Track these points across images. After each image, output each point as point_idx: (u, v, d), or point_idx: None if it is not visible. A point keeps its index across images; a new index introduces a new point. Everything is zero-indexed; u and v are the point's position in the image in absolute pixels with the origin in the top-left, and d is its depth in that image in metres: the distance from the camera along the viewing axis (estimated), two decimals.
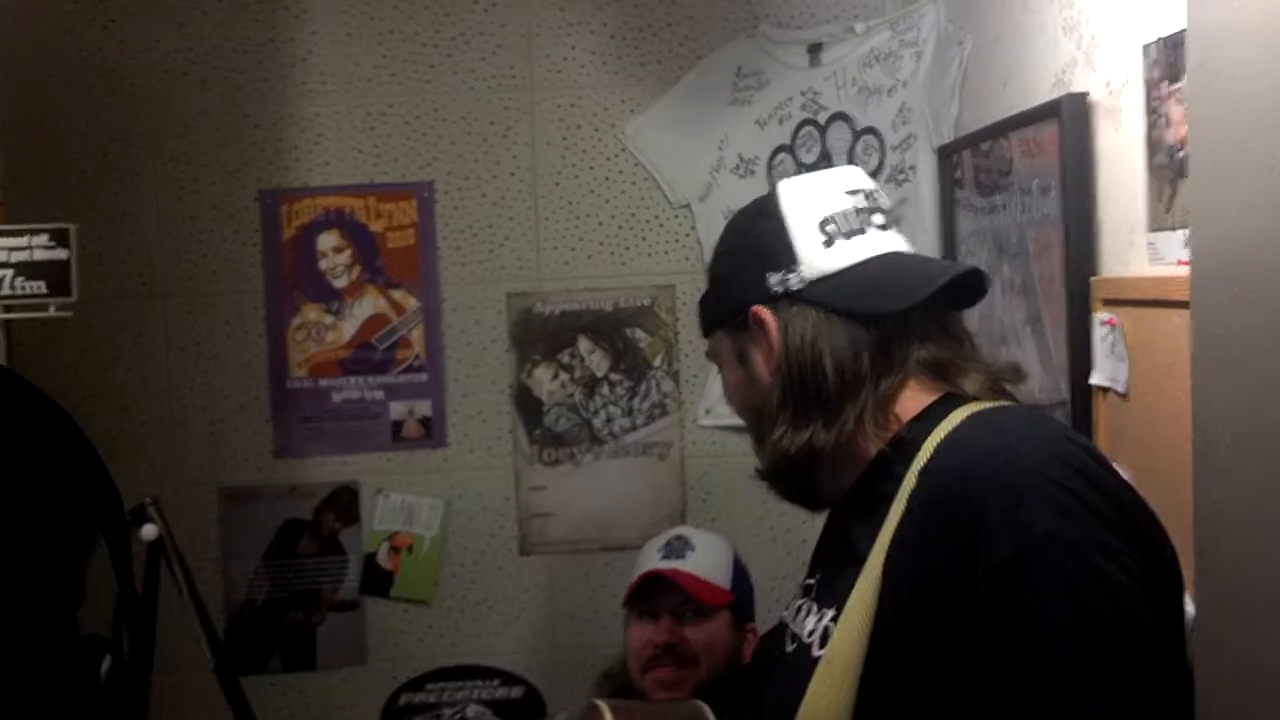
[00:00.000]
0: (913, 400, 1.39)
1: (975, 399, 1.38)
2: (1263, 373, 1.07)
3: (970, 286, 1.45)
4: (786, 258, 1.42)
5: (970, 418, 1.34)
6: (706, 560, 2.40)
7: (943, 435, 1.34)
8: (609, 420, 2.99)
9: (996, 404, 1.38)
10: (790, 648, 1.46)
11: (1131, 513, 1.25)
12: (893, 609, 1.29)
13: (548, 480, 3.00)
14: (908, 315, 1.40)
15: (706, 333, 1.52)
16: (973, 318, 2.42)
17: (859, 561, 1.35)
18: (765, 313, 1.41)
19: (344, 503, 3.00)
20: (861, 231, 1.46)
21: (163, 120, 2.91)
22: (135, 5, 2.90)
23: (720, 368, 1.52)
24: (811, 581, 1.50)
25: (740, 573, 2.44)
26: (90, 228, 2.84)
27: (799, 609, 1.49)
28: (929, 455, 1.32)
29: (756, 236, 1.46)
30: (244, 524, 2.98)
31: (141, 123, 2.91)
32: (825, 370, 1.39)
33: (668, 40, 2.96)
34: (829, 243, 1.42)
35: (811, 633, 1.39)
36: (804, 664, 1.37)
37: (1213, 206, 1.20)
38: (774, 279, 1.41)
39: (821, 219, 1.44)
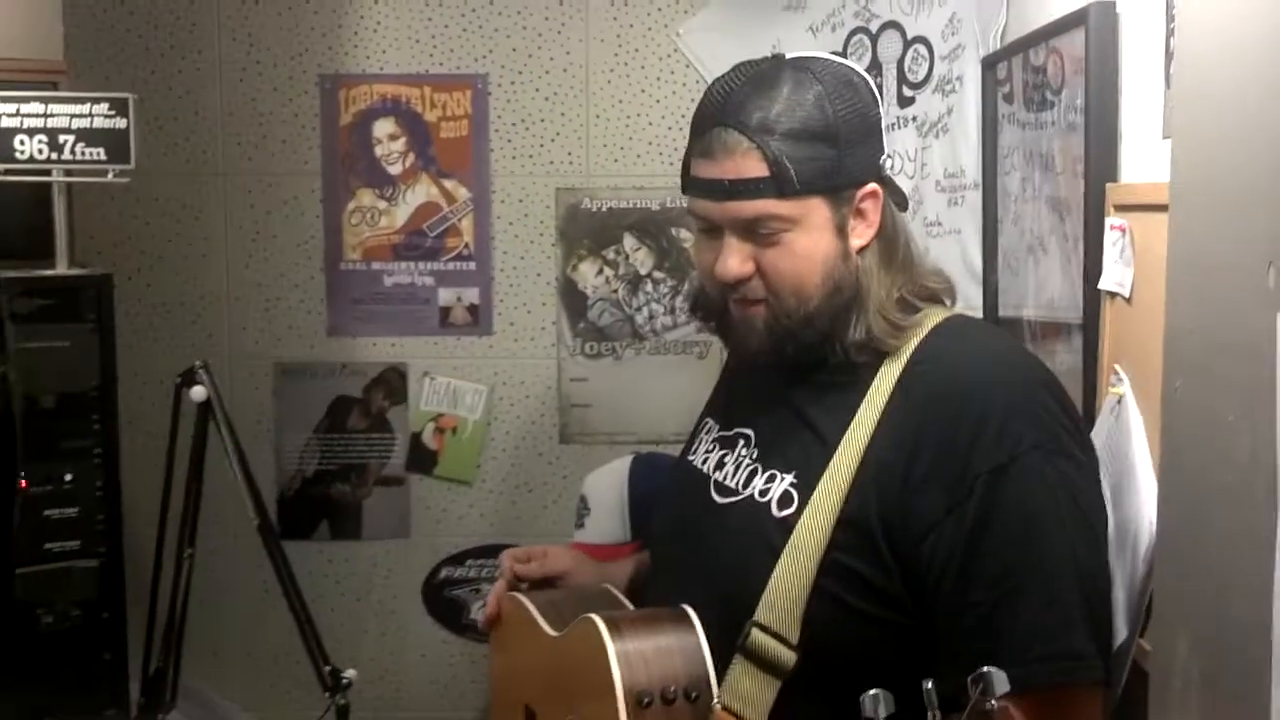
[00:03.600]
0: None
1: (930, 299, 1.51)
2: (1229, 272, 1.12)
3: None
4: (884, 143, 1.50)
5: (950, 325, 1.48)
6: (600, 522, 2.44)
7: (921, 336, 1.45)
8: (651, 317, 3.07)
9: (956, 312, 1.53)
10: (724, 499, 1.51)
11: (1081, 426, 1.45)
12: (874, 496, 1.38)
13: (589, 372, 3.09)
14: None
15: (797, 193, 1.41)
16: (1008, 230, 2.46)
17: (816, 433, 1.44)
18: (881, 191, 1.47)
19: (392, 383, 3.11)
20: None
21: (227, 2, 2.99)
22: None
23: (776, 233, 1.43)
24: (736, 434, 1.55)
25: (641, 503, 2.45)
26: (154, 102, 2.94)
27: (720, 458, 1.55)
28: (911, 355, 1.44)
29: (874, 114, 1.48)
30: (297, 398, 3.10)
31: (207, 5, 2.99)
32: (911, 253, 1.52)
33: None
34: None
35: (765, 493, 1.46)
36: (761, 521, 1.44)
37: (1193, 116, 1.24)
38: (887, 163, 1.48)
39: None
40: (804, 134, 1.40)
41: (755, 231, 1.43)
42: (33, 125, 2.39)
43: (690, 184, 1.47)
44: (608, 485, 2.56)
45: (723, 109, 1.43)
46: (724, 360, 1.81)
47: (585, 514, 2.48)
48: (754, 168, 1.40)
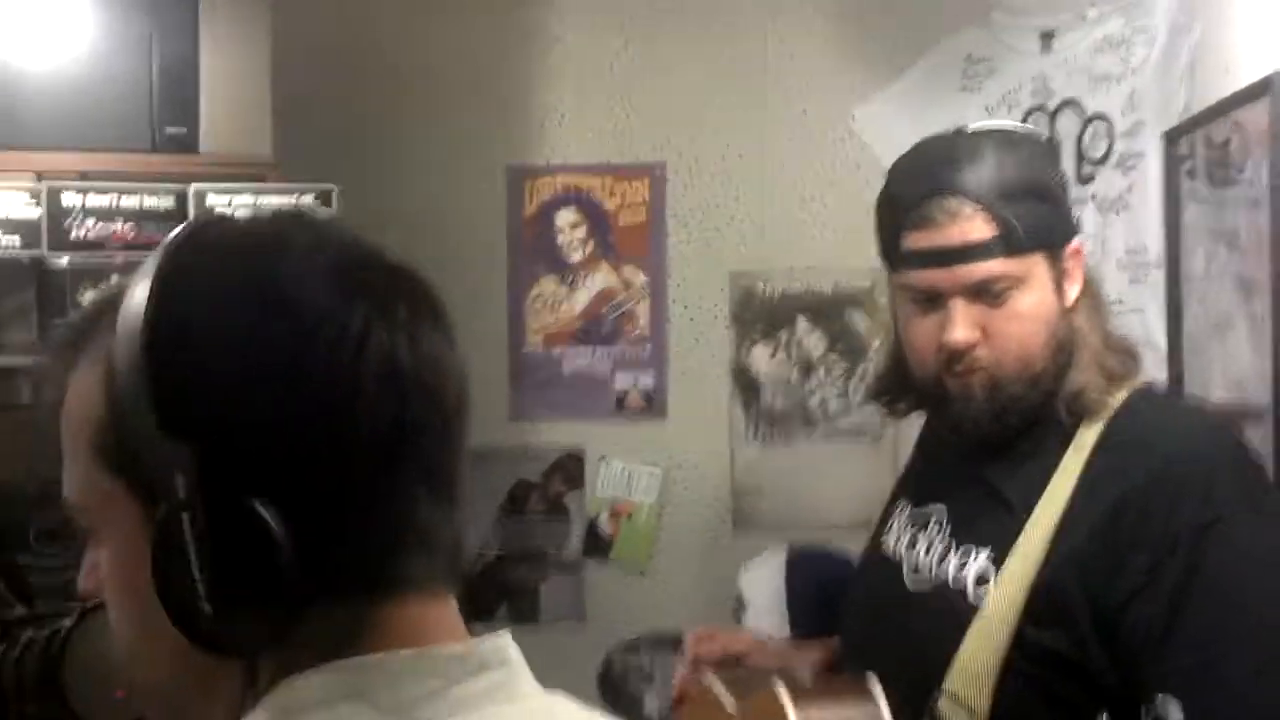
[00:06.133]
0: None
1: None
2: None
3: None
4: None
5: (1145, 395, 1.49)
6: (759, 619, 2.38)
7: (1116, 406, 1.45)
8: (823, 401, 3.04)
9: (1147, 382, 1.53)
10: (917, 584, 1.50)
11: (1271, 488, 1.47)
12: (1073, 564, 1.36)
13: (761, 457, 3.08)
14: None
15: (1025, 250, 1.42)
16: (1193, 309, 2.36)
17: (1008, 506, 1.43)
18: (1082, 249, 1.50)
19: (570, 469, 3.16)
20: None
21: (425, 99, 3.16)
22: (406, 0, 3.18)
23: (1003, 294, 1.43)
24: (928, 511, 1.53)
25: (802, 596, 2.39)
26: (353, 196, 3.11)
27: (912, 538, 1.53)
28: (1107, 424, 1.43)
29: (1065, 174, 1.56)
30: (481, 482, 3.18)
31: (406, 100, 3.16)
32: (1109, 309, 1.55)
33: (899, 27, 3.00)
34: None
35: (962, 567, 1.45)
36: (956, 604, 1.42)
37: None
38: (1075, 220, 1.54)
39: None
40: (1021, 193, 1.42)
41: (983, 294, 1.43)
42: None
43: (904, 258, 1.47)
44: (763, 580, 2.52)
45: (934, 179, 1.44)
46: (914, 440, 1.76)
47: (742, 611, 2.44)
48: (981, 229, 1.41)
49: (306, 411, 0.69)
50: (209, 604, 0.68)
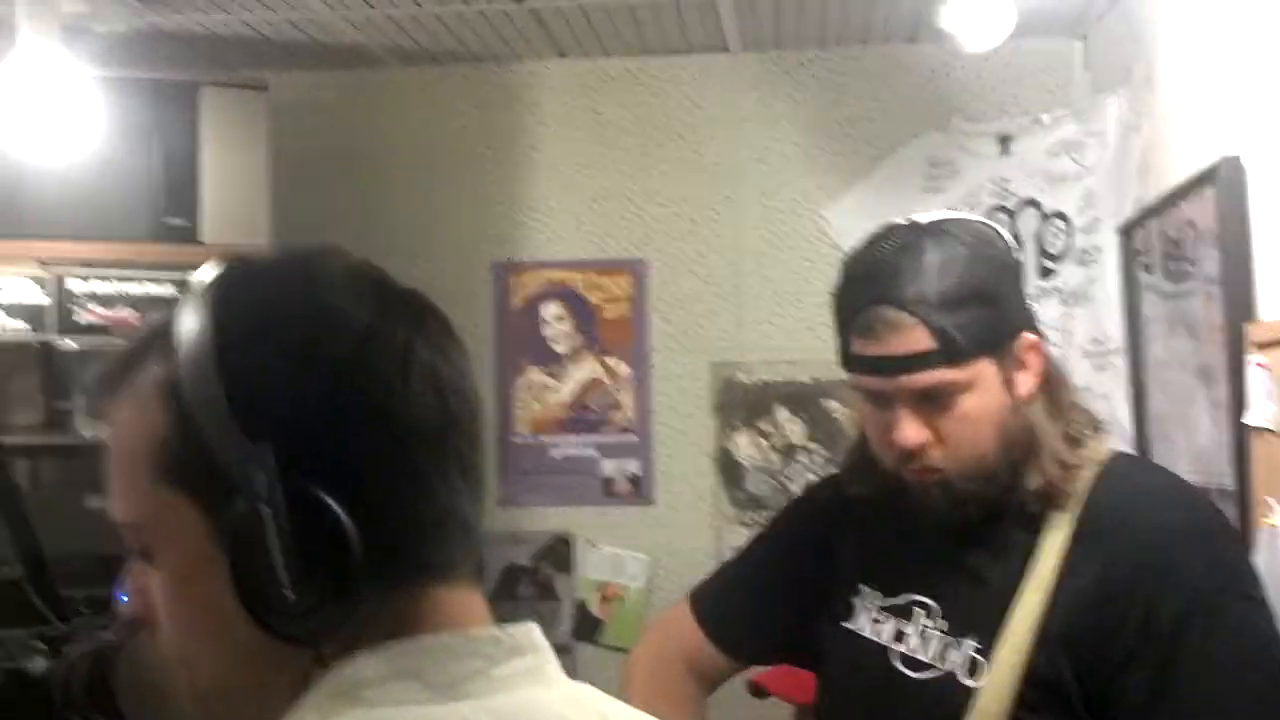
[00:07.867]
0: None
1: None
2: None
3: None
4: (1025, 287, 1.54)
5: (1119, 468, 1.49)
6: None
7: (1091, 480, 1.46)
8: (806, 485, 3.17)
9: (1118, 451, 1.53)
10: (918, 673, 1.50)
11: (1254, 567, 1.47)
12: (1063, 650, 1.40)
13: (746, 539, 3.18)
14: None
15: (966, 358, 1.41)
16: (1155, 395, 2.51)
17: (992, 593, 1.45)
18: (1039, 341, 1.47)
19: (559, 552, 3.25)
20: None
21: (412, 198, 3.31)
22: (395, 100, 3.33)
23: (949, 398, 1.42)
24: (910, 603, 1.53)
25: None
26: None
27: (897, 630, 1.53)
28: (1085, 502, 1.45)
29: (1015, 263, 1.52)
30: None
31: (394, 199, 3.31)
32: (1073, 394, 1.52)
33: (865, 132, 3.20)
34: None
35: (947, 659, 1.47)
36: (950, 692, 1.45)
37: None
38: (1030, 307, 1.50)
39: None
40: (960, 299, 1.41)
41: (929, 399, 1.43)
42: None
43: (853, 362, 1.47)
44: None
45: (874, 286, 1.44)
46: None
47: None
48: (920, 341, 1.40)
49: (366, 410, 0.75)
50: (291, 593, 0.72)
